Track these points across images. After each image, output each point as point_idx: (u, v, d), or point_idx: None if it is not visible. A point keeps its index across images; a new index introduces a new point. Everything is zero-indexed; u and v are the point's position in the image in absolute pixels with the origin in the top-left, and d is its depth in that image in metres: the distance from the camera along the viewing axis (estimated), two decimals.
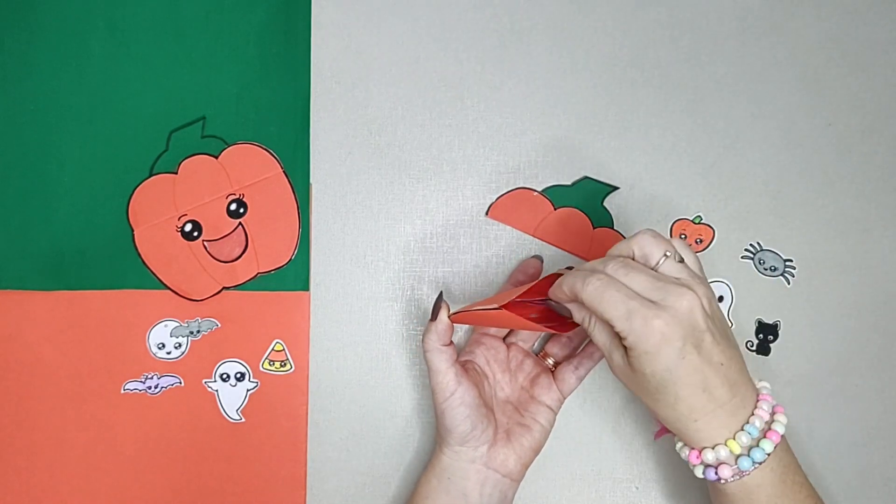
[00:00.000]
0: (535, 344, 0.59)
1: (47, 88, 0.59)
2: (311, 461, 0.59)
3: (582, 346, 0.58)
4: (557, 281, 0.50)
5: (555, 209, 0.60)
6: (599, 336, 0.49)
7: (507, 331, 0.59)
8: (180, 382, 0.59)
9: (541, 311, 0.53)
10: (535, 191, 0.60)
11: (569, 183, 0.60)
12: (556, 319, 0.53)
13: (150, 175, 0.59)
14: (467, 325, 0.60)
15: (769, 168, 0.61)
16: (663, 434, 0.55)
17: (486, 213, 0.60)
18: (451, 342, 0.53)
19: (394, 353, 0.60)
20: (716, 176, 0.61)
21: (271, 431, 0.59)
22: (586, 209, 0.60)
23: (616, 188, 0.60)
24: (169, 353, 0.59)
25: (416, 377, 0.60)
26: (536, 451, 0.55)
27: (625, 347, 0.47)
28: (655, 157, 0.61)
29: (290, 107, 0.60)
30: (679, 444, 0.50)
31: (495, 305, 0.50)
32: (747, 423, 0.47)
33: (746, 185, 0.61)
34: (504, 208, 0.60)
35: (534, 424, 0.55)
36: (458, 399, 0.52)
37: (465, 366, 0.55)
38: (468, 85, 0.61)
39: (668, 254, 0.48)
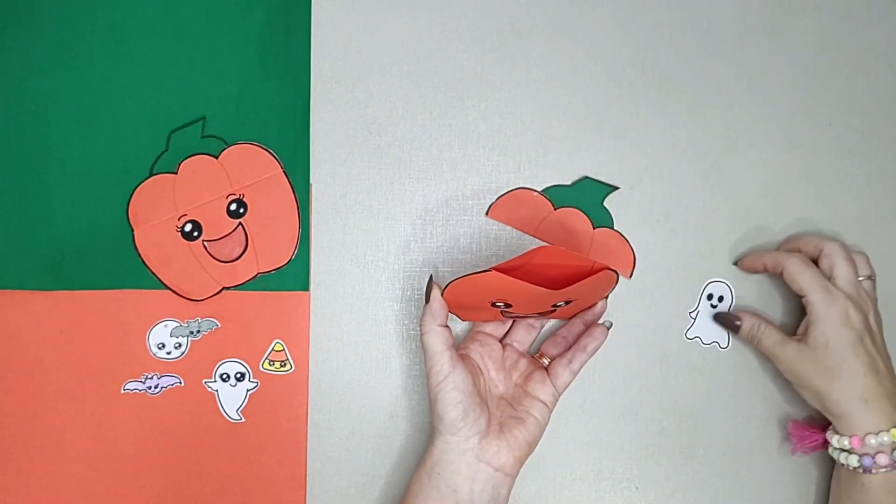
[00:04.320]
0: (532, 346, 0.59)
1: (47, 88, 0.59)
2: (311, 461, 0.59)
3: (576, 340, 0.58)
4: (756, 254, 0.59)
5: (555, 209, 0.60)
6: (769, 338, 0.57)
7: (503, 331, 0.59)
8: (180, 382, 0.59)
9: (532, 274, 0.52)
10: (535, 191, 0.60)
11: (569, 183, 0.60)
12: (548, 282, 0.52)
13: (150, 175, 0.59)
14: (464, 324, 0.60)
15: (769, 168, 0.61)
16: (802, 449, 0.58)
17: (487, 213, 0.60)
18: (448, 326, 0.53)
19: (394, 353, 0.60)
20: (716, 176, 0.61)
21: (271, 431, 0.59)
22: (586, 209, 0.60)
23: (616, 188, 0.60)
24: (169, 353, 0.59)
25: (416, 377, 0.60)
26: (531, 446, 0.55)
27: (801, 336, 0.55)
28: (655, 157, 0.61)
29: (290, 107, 0.60)
30: (836, 438, 0.54)
31: (485, 268, 0.50)
32: None
33: (746, 185, 0.61)
34: (504, 208, 0.60)
35: (527, 417, 0.55)
36: (451, 383, 0.52)
37: (461, 357, 0.55)
38: (468, 85, 0.61)
39: (872, 278, 0.58)
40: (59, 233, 0.59)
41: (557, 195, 0.60)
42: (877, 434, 0.52)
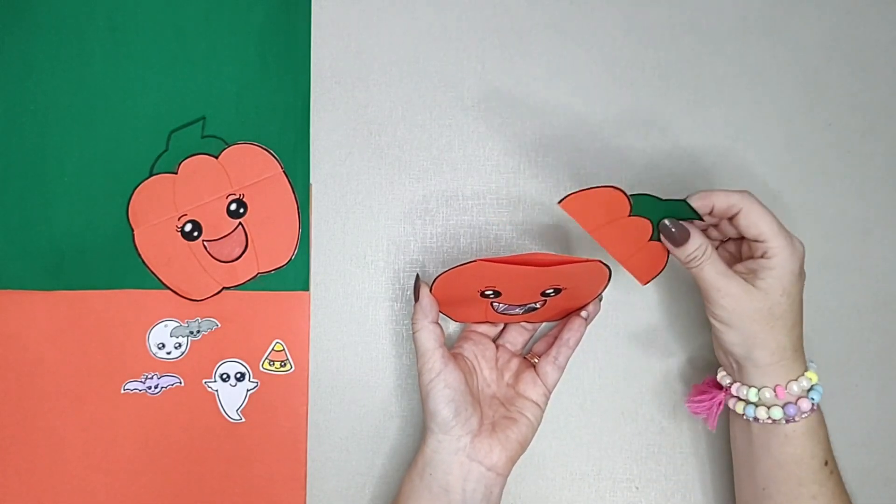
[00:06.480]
0: (525, 349, 0.59)
1: (47, 88, 0.59)
2: (311, 461, 0.59)
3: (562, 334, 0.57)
4: (705, 194, 0.51)
5: (630, 216, 0.51)
6: (715, 266, 0.51)
7: (496, 331, 0.59)
8: (180, 382, 0.59)
9: (521, 260, 0.50)
10: (625, 193, 0.51)
11: (663, 197, 0.52)
12: (537, 263, 0.50)
13: (150, 175, 0.59)
14: (457, 324, 0.60)
15: (769, 168, 0.61)
16: (704, 413, 0.56)
17: (560, 203, 0.50)
18: (439, 324, 0.53)
19: (394, 353, 0.60)
20: (716, 176, 0.61)
21: (271, 431, 0.59)
22: (655, 222, 0.52)
23: (700, 219, 0.52)
24: (169, 353, 0.59)
25: (416, 377, 0.60)
26: (523, 446, 0.55)
27: (752, 273, 0.51)
28: (655, 157, 0.61)
29: (290, 107, 0.60)
30: (747, 391, 0.52)
31: (471, 260, 0.50)
32: (810, 360, 0.53)
33: (746, 185, 0.61)
34: (581, 202, 0.51)
35: (520, 417, 0.55)
36: (442, 381, 0.52)
37: (454, 356, 0.55)
38: (468, 85, 0.61)
39: None
40: (59, 233, 0.59)
41: (645, 205, 0.52)
42: (797, 380, 0.51)
